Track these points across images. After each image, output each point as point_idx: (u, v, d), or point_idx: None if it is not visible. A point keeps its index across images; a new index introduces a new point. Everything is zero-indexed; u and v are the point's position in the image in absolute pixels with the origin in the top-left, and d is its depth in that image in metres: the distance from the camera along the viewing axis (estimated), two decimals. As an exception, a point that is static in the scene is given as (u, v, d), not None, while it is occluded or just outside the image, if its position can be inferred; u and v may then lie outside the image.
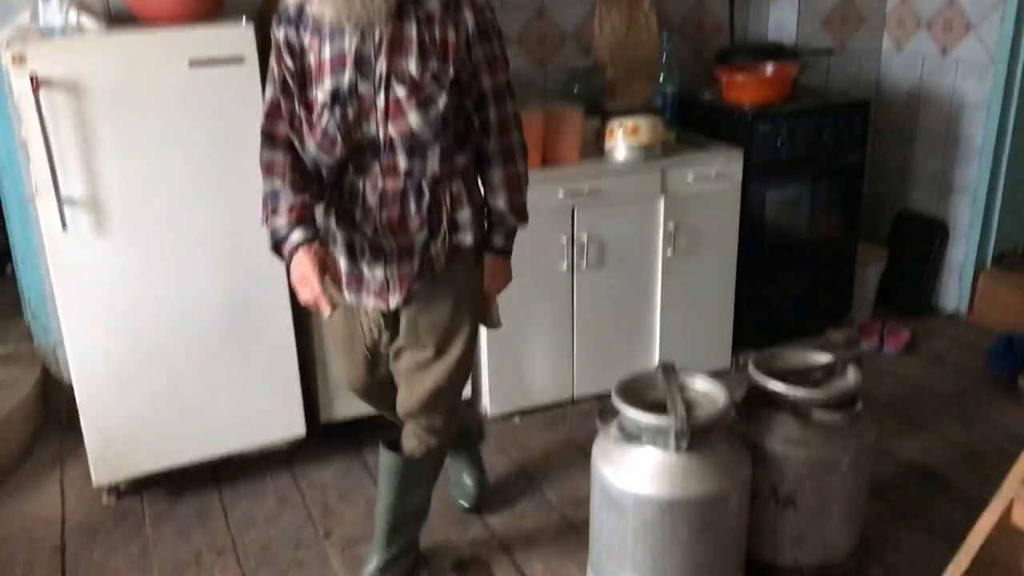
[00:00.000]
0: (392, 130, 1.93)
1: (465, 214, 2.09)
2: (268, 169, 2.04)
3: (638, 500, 2.10)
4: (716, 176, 3.30)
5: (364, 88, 1.91)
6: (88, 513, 2.83)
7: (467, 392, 3.29)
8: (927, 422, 3.25)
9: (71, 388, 2.73)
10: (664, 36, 3.55)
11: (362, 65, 1.90)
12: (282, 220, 2.03)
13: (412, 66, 1.90)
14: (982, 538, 1.81)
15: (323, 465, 3.05)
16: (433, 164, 1.99)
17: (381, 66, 1.90)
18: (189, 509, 2.84)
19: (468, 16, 1.94)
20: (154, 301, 2.69)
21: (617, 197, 3.20)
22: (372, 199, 2.01)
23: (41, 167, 2.49)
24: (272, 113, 2.03)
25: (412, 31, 1.91)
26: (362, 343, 2.26)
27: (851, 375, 2.34)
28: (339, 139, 1.94)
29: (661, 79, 3.53)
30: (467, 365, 2.24)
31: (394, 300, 2.10)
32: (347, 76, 1.91)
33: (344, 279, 2.12)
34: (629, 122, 3.22)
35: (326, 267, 2.00)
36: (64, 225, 2.54)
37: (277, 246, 2.07)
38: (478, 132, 2.07)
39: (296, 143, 2.03)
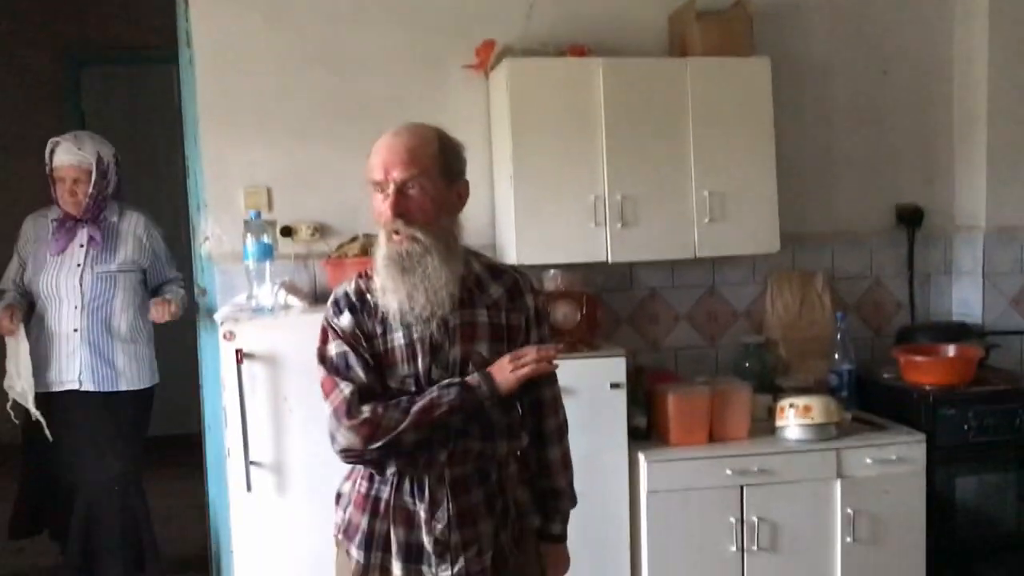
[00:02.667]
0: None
1: (525, 495, 2.03)
2: (379, 418, 1.84)
3: None
4: (897, 460, 3.14)
5: (437, 374, 1.88)
6: None
7: None
8: None
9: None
10: (839, 315, 3.56)
11: (436, 352, 1.88)
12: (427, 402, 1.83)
13: (484, 350, 1.91)
14: None
15: None
16: (502, 445, 1.95)
17: (455, 352, 1.89)
18: None
19: (529, 301, 1.98)
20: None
21: (789, 478, 3.09)
22: (440, 491, 1.90)
23: (235, 431, 2.74)
24: (360, 400, 1.85)
25: (483, 317, 1.93)
26: None
27: None
28: None
29: (836, 358, 3.49)
30: None
31: None
32: (421, 363, 1.88)
33: None
34: (801, 401, 3.17)
35: None
36: (249, 487, 2.74)
37: (466, 398, 1.85)
38: (528, 412, 2.03)
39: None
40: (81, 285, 3.23)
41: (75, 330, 3.23)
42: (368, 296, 1.92)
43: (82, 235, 3.27)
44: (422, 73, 3.42)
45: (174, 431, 4.65)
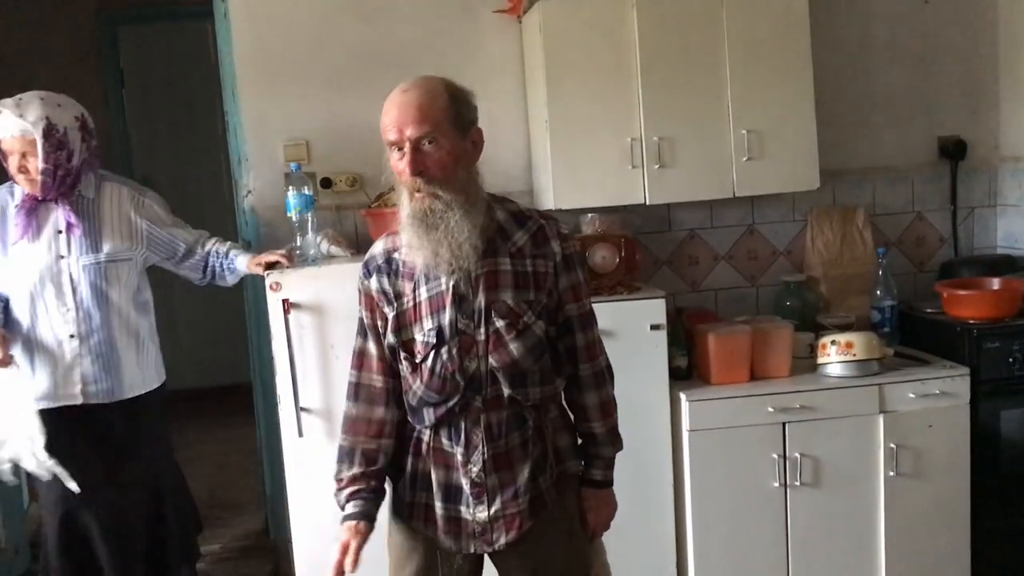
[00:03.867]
0: (494, 361, 1.93)
1: (565, 440, 2.07)
2: (349, 426, 2.05)
3: None
4: (940, 395, 3.14)
5: (463, 324, 1.93)
6: None
7: (673, 613, 3.20)
8: None
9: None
10: (881, 251, 3.53)
11: (461, 302, 1.93)
12: (344, 486, 2.01)
13: (509, 298, 1.94)
14: None
15: None
16: (535, 391, 1.98)
17: (480, 301, 1.93)
18: None
19: (555, 246, 1.99)
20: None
21: (832, 414, 3.11)
22: (476, 436, 1.96)
23: (285, 379, 2.81)
24: (361, 364, 2.04)
25: (506, 265, 1.95)
26: None
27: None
28: (447, 376, 1.93)
29: (878, 294, 3.47)
30: None
31: (500, 540, 1.99)
32: (448, 314, 1.92)
33: (440, 524, 2.01)
34: (843, 337, 3.17)
35: (363, 542, 1.95)
36: (300, 432, 2.81)
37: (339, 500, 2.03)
38: (564, 358, 2.05)
39: (386, 387, 2.02)
40: (71, 282, 2.73)
41: (71, 336, 2.73)
42: (396, 255, 1.99)
43: (56, 219, 2.73)
44: (455, 20, 3.42)
45: (226, 381, 4.77)
